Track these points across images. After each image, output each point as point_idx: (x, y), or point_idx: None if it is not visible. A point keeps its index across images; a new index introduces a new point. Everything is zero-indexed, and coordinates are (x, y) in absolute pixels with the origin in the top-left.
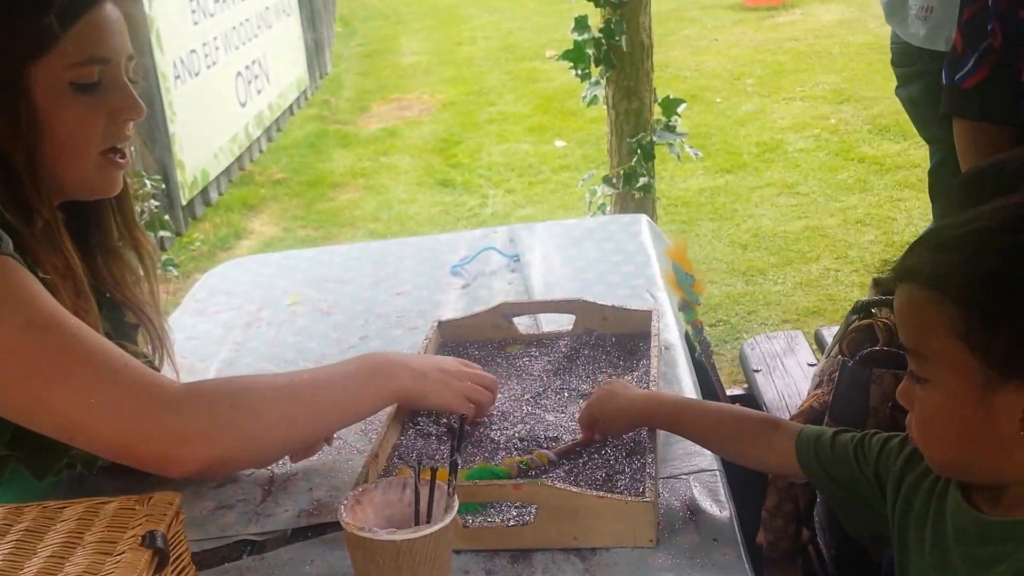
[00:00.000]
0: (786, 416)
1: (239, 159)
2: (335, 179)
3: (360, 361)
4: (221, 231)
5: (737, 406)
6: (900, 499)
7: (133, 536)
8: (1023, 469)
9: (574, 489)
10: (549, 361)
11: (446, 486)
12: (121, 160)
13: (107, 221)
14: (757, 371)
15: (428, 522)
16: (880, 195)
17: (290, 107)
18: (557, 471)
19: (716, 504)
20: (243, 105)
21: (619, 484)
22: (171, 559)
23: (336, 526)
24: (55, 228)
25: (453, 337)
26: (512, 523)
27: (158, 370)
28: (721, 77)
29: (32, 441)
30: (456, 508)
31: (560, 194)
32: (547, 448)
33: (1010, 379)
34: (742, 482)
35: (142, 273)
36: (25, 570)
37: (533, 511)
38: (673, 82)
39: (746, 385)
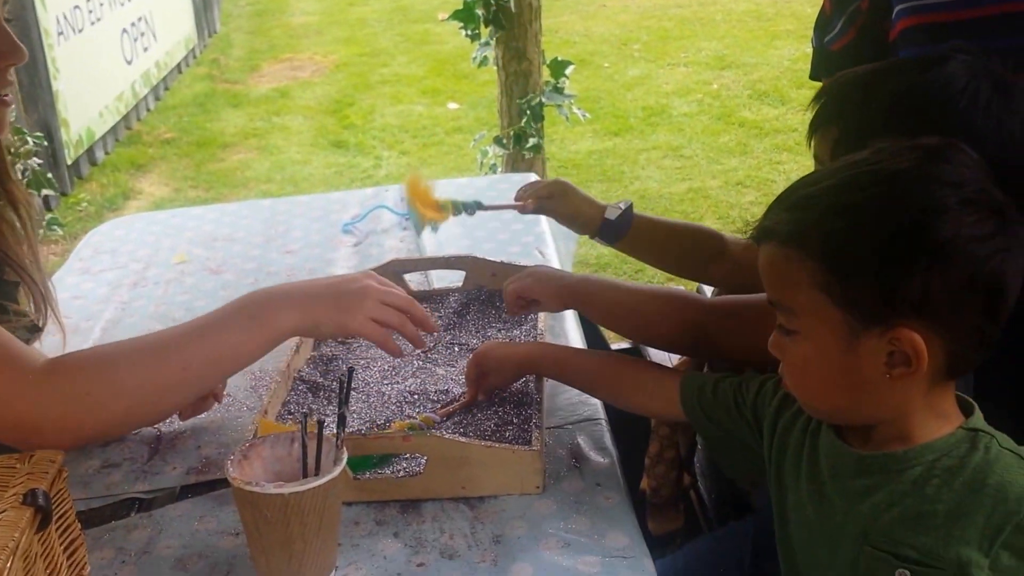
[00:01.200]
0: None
1: (126, 118)
2: (226, 139)
3: (238, 304)
4: (108, 191)
5: (622, 354)
6: (776, 439)
7: (14, 495)
8: (890, 410)
9: (462, 440)
10: (440, 317)
11: (334, 439)
12: (8, 99)
13: None
14: None
15: (316, 475)
16: (759, 158)
17: (178, 65)
18: (447, 422)
19: (600, 452)
20: (129, 63)
21: (507, 434)
22: (54, 518)
23: (226, 483)
24: None
25: None
26: (402, 474)
27: (40, 329)
28: (609, 42)
29: None
30: (344, 460)
31: (454, 156)
32: (435, 405)
33: (872, 326)
34: (625, 431)
35: (20, 229)
36: None
37: (423, 462)
38: (562, 47)
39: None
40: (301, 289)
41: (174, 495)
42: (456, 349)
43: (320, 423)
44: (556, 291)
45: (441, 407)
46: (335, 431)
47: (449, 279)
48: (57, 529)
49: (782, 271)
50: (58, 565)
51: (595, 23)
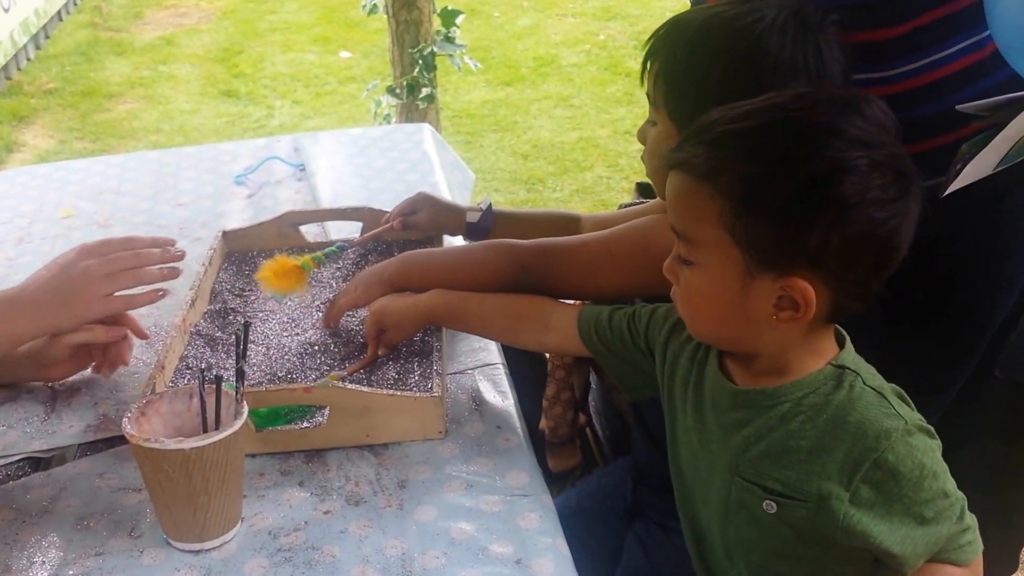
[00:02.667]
0: None
1: (5, 68)
2: (111, 89)
3: None
4: None
5: (517, 294)
6: (667, 363)
7: None
8: (771, 346)
9: (365, 389)
10: (338, 268)
11: (234, 393)
12: None
13: None
14: None
15: (217, 429)
16: (645, 107)
17: (58, 13)
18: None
19: (499, 395)
20: (7, 11)
21: (409, 382)
22: None
23: (125, 439)
24: None
25: (240, 247)
26: (305, 425)
27: None
28: None
29: None
30: (245, 414)
31: (347, 105)
32: (336, 357)
33: (767, 271)
34: (523, 375)
35: None
36: None
37: (326, 413)
38: None
39: None
40: (25, 296)
41: (73, 453)
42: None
43: (218, 378)
44: (379, 286)
45: (348, 369)
46: (235, 385)
47: (346, 231)
48: None
49: (691, 203)
50: None
51: None
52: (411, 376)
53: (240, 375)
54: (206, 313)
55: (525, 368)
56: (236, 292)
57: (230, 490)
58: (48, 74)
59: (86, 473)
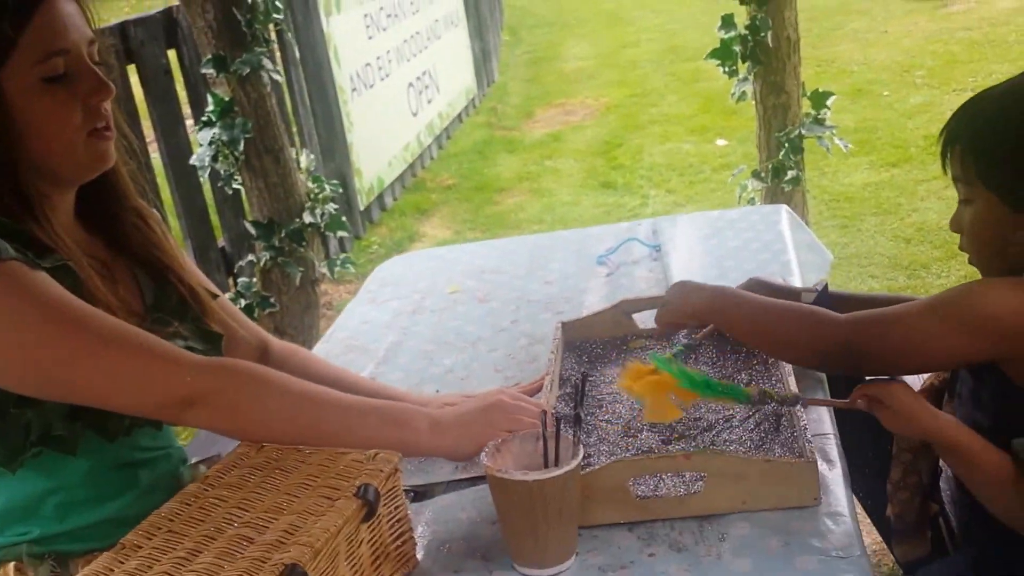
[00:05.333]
0: None
1: (411, 166)
2: (501, 183)
3: (391, 406)
4: (396, 235)
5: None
6: None
7: (350, 486)
8: None
9: (742, 455)
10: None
11: (571, 437)
12: (108, 133)
13: (106, 196)
14: None
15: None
16: None
17: (459, 115)
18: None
19: (826, 464)
20: (415, 114)
21: (774, 448)
22: (381, 510)
23: (484, 480)
24: (42, 216)
25: (578, 336)
26: (682, 492)
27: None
28: (890, 70)
29: (92, 408)
30: (580, 455)
31: (720, 192)
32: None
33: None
34: (864, 459)
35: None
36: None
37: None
38: (839, 76)
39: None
40: (440, 414)
41: (442, 488)
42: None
43: (558, 420)
44: (691, 314)
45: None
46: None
47: None
48: (388, 520)
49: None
50: (387, 553)
51: (876, 50)
52: (775, 444)
53: (577, 420)
54: (559, 396)
55: (867, 450)
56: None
57: (566, 523)
58: (447, 171)
59: (452, 505)
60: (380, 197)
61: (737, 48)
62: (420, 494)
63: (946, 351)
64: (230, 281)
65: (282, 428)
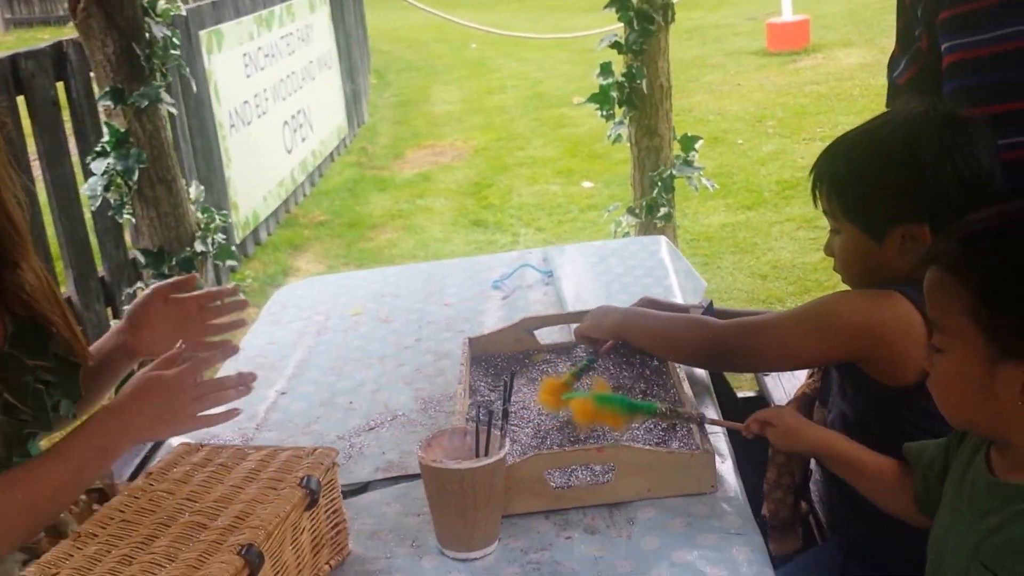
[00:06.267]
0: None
1: (285, 202)
2: (374, 220)
3: (90, 433)
4: (270, 268)
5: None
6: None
7: (294, 477)
8: (1017, 427)
9: (649, 448)
10: (571, 364)
11: (499, 432)
12: None
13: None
14: (767, 375)
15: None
16: None
17: (331, 154)
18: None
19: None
20: (289, 151)
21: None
22: (322, 500)
23: (404, 479)
24: None
25: (482, 351)
26: (590, 482)
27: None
28: (743, 120)
29: None
30: (507, 448)
31: (588, 231)
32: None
33: (1011, 357)
34: (745, 460)
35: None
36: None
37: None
38: (696, 125)
39: (757, 388)
40: (138, 406)
41: (364, 487)
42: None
43: (490, 413)
44: (607, 330)
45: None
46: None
47: None
48: (326, 511)
49: (941, 293)
50: (324, 541)
51: (729, 102)
52: (674, 440)
53: (505, 415)
54: (471, 404)
55: (747, 452)
56: (491, 387)
57: (493, 509)
58: (320, 208)
59: (377, 502)
60: (255, 231)
61: (614, 94)
62: (346, 493)
63: (806, 352)
64: (108, 311)
65: (21, 520)
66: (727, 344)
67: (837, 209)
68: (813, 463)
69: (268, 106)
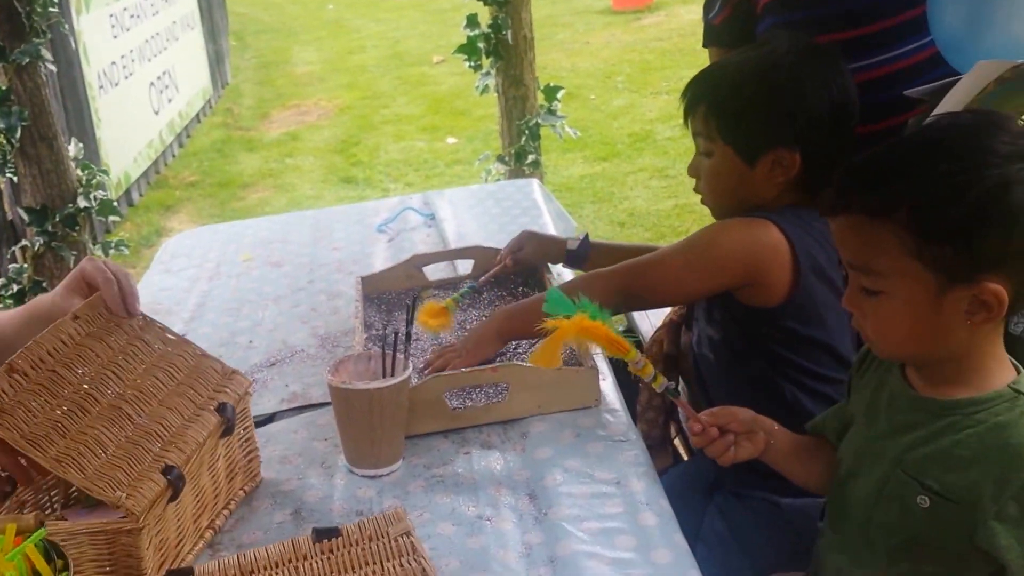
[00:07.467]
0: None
1: (155, 163)
2: (244, 180)
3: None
4: (143, 229)
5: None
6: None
7: (210, 400)
8: (959, 347)
9: (540, 367)
10: (471, 305)
11: (402, 355)
12: None
13: None
14: None
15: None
16: None
17: (197, 115)
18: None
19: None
20: (157, 113)
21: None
22: (237, 429)
23: (309, 407)
24: None
25: (375, 289)
26: (484, 402)
27: None
28: (594, 76)
29: None
30: (410, 369)
31: (455, 184)
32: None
33: (958, 283)
34: (620, 382)
35: None
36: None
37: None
38: (550, 80)
39: (625, 322)
40: None
41: (271, 418)
42: (474, 317)
43: (396, 334)
44: (493, 343)
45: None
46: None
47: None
48: (239, 440)
49: (868, 239)
50: (237, 469)
51: (580, 59)
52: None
53: (408, 337)
54: (366, 338)
55: (622, 375)
56: (384, 322)
57: (398, 428)
58: (189, 169)
59: (284, 430)
60: (127, 192)
61: (481, 45)
62: (255, 423)
63: (697, 285)
64: None
65: None
66: (625, 289)
67: (714, 130)
68: (683, 386)
69: (135, 67)
